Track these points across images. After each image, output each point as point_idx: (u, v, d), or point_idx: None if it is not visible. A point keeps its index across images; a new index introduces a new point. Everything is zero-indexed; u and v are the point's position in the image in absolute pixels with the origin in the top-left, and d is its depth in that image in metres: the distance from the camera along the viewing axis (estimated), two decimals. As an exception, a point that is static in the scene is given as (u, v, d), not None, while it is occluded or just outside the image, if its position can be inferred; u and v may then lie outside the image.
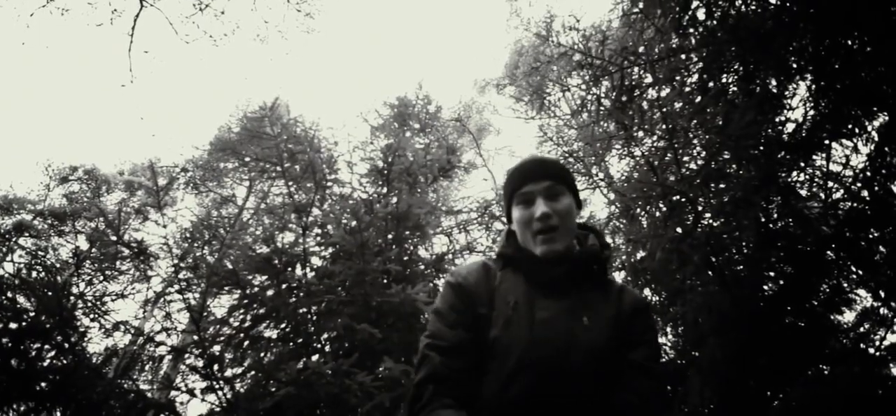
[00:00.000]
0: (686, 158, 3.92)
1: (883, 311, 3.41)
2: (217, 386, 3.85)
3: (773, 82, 3.82)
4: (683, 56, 4.11)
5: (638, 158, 4.54)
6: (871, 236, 3.39)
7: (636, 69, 4.32)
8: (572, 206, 1.41)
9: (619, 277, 4.70)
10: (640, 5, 4.31)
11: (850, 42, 3.42)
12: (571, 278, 1.35)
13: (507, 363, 1.25)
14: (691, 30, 4.07)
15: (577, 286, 1.35)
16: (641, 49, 4.25)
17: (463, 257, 6.20)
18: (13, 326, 3.28)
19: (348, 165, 5.93)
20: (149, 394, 3.92)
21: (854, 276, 3.50)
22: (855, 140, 3.57)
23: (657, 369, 1.34)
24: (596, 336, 1.27)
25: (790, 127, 3.83)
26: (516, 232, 1.44)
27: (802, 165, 3.73)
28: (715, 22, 3.88)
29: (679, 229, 3.74)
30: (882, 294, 3.39)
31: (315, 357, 4.33)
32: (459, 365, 1.29)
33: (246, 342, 4.47)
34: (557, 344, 1.25)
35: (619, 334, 1.31)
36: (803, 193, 3.77)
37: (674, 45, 4.14)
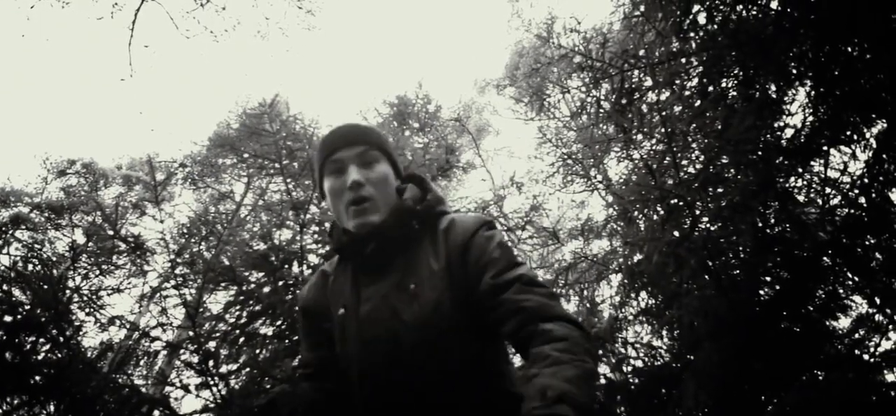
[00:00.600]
0: (685, 162, 3.92)
1: (878, 317, 3.41)
2: (212, 382, 3.84)
3: (773, 88, 3.82)
4: (683, 60, 4.11)
5: (636, 161, 4.55)
6: (867, 243, 3.40)
7: (636, 72, 4.32)
8: (389, 173, 1.28)
9: (615, 290, 4.70)
10: (642, 8, 4.31)
11: (849, 49, 3.42)
12: (390, 249, 1.21)
13: (352, 379, 1.16)
14: (692, 34, 4.07)
15: (403, 255, 1.21)
16: (642, 52, 4.25)
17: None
18: (8, 319, 3.27)
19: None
20: (143, 389, 3.92)
21: (850, 282, 3.51)
22: (853, 147, 3.58)
23: (509, 275, 1.09)
24: (425, 299, 1.11)
25: (789, 132, 3.84)
26: (331, 208, 1.29)
27: (801, 170, 3.74)
28: (715, 26, 3.89)
29: (676, 233, 3.74)
30: (877, 301, 3.40)
31: (311, 355, 4.32)
32: (324, 387, 1.26)
33: (241, 339, 4.46)
34: (385, 338, 1.11)
35: (460, 278, 1.14)
36: (801, 198, 3.78)
37: (674, 49, 4.14)
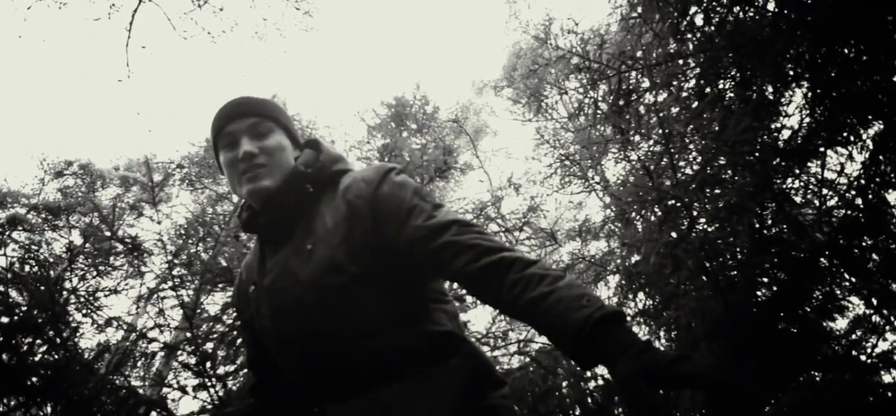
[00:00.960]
0: (682, 163, 3.93)
1: (875, 318, 3.42)
2: (209, 384, 3.83)
3: (770, 89, 3.83)
4: (681, 61, 4.12)
5: (634, 163, 4.55)
6: (864, 244, 3.41)
7: (634, 73, 4.32)
8: (283, 141, 1.23)
9: (613, 291, 4.70)
10: (639, 10, 4.32)
11: (846, 50, 3.43)
12: (289, 215, 1.18)
13: (274, 355, 1.17)
14: (689, 35, 4.08)
15: (302, 220, 1.17)
16: (639, 53, 4.26)
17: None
18: (5, 320, 3.27)
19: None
20: (141, 390, 3.91)
21: (847, 283, 3.52)
22: (850, 148, 3.59)
23: (446, 218, 1.04)
24: (320, 257, 1.07)
25: (786, 134, 3.85)
26: (228, 182, 1.23)
27: (798, 171, 3.75)
28: (712, 28, 3.90)
29: (674, 234, 3.75)
30: (874, 302, 3.41)
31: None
32: (261, 379, 1.29)
33: (239, 340, 4.46)
34: (289, 304, 1.08)
35: (363, 231, 1.08)
36: (798, 199, 3.79)
37: (671, 51, 4.15)
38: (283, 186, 1.17)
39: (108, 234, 4.34)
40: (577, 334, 0.79)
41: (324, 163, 1.23)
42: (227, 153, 1.20)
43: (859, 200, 3.47)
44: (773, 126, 3.83)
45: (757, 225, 3.65)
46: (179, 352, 4.23)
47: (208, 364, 3.87)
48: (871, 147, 3.49)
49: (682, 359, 0.68)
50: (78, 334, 3.69)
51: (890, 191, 3.37)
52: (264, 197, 1.17)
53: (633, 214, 4.41)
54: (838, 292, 3.54)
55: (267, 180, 1.16)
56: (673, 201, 3.71)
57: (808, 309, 3.57)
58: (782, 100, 3.84)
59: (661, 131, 3.73)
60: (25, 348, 3.34)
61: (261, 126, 1.21)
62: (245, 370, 4.16)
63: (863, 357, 3.39)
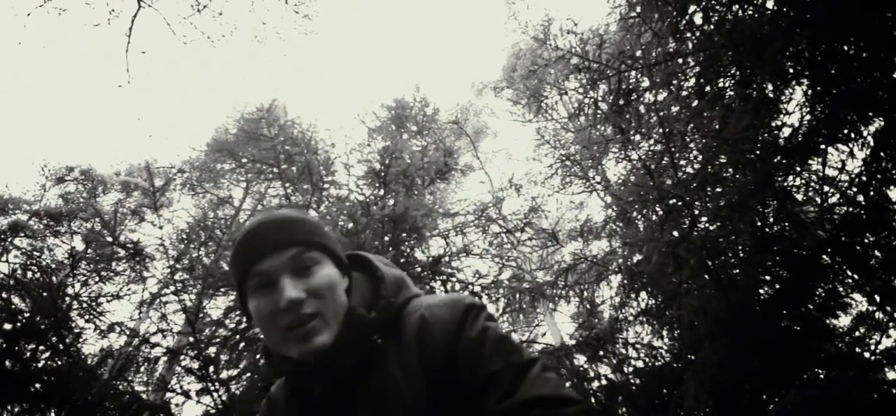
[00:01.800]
0: (683, 162, 3.93)
1: (878, 315, 3.42)
2: (212, 388, 3.84)
3: (770, 87, 3.83)
4: (680, 60, 4.12)
5: (635, 162, 4.55)
6: (866, 241, 3.41)
7: (633, 73, 4.33)
8: (333, 275, 0.97)
9: (615, 291, 4.70)
10: (638, 9, 4.32)
11: (845, 47, 3.43)
12: (349, 380, 0.94)
13: None
14: (688, 34, 4.08)
15: (363, 381, 0.94)
16: (639, 53, 4.26)
17: (459, 260, 6.19)
18: (8, 327, 3.27)
19: (345, 167, 5.93)
20: (144, 396, 3.91)
21: (849, 280, 3.51)
22: (851, 145, 3.59)
23: (520, 394, 0.83)
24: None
25: (786, 131, 3.85)
26: (263, 334, 0.97)
27: (798, 169, 3.75)
28: (712, 26, 3.90)
29: (675, 233, 3.75)
30: (877, 298, 3.41)
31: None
32: None
33: (242, 344, 4.46)
34: None
35: (441, 384, 0.89)
36: (799, 197, 3.79)
37: (671, 50, 4.16)
38: (342, 343, 0.93)
39: (109, 239, 4.35)
40: None
41: (387, 299, 1.00)
42: (262, 300, 0.92)
43: (861, 197, 3.47)
44: (773, 124, 3.83)
45: (758, 223, 3.65)
46: (182, 357, 4.23)
47: (211, 369, 3.87)
48: (871, 144, 3.49)
49: None
50: (81, 340, 3.69)
51: (891, 187, 3.37)
52: (320, 358, 0.91)
53: (635, 213, 4.41)
54: (841, 289, 3.53)
55: (324, 336, 0.91)
56: (674, 200, 3.71)
57: (811, 307, 3.56)
58: (782, 97, 3.84)
59: (661, 130, 3.73)
60: (29, 354, 3.35)
61: (302, 258, 0.94)
62: (248, 374, 4.17)
63: (866, 354, 3.39)
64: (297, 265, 0.93)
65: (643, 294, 4.45)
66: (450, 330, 0.92)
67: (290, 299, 0.88)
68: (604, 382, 4.21)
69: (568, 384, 4.22)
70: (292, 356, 0.92)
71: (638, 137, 4.34)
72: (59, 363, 3.43)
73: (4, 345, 3.17)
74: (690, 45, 4.10)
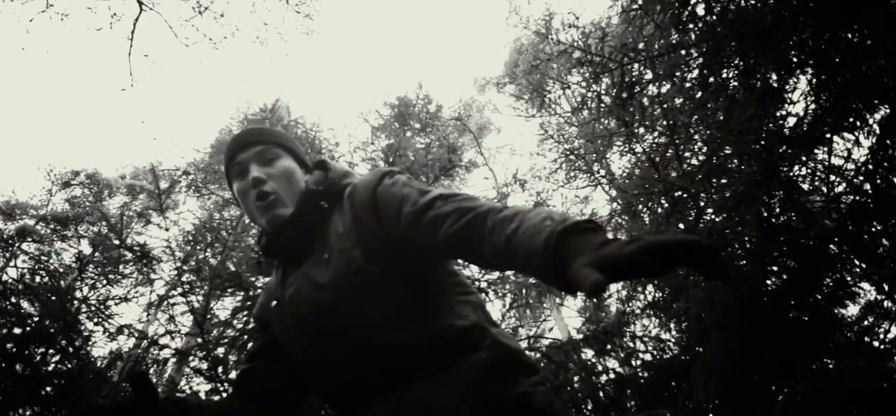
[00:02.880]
0: (687, 154, 3.92)
1: (887, 304, 3.40)
2: (221, 388, 3.85)
3: (774, 77, 3.81)
4: (683, 52, 4.11)
5: (639, 155, 4.54)
6: (873, 230, 3.39)
7: (636, 66, 4.31)
8: (291, 167, 1.28)
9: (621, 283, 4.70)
10: (640, 2, 4.30)
11: (850, 35, 3.41)
12: (306, 235, 1.21)
13: (299, 364, 1.19)
14: (691, 25, 4.06)
15: (318, 236, 1.20)
16: (641, 45, 4.24)
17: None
18: (18, 331, 3.29)
19: (349, 166, 5.94)
20: (153, 397, 3.93)
21: (857, 269, 3.50)
22: (856, 133, 3.57)
23: (429, 196, 1.04)
24: (336, 261, 1.10)
25: (791, 121, 3.83)
26: (244, 211, 1.31)
27: (804, 159, 3.73)
28: (714, 17, 3.88)
29: (681, 225, 3.74)
30: (886, 287, 3.39)
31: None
32: (253, 366, 1.30)
33: (250, 344, 4.48)
34: (310, 311, 1.11)
35: (372, 232, 1.10)
36: (805, 187, 3.77)
37: (674, 41, 4.14)
38: (298, 208, 1.22)
39: (116, 242, 4.37)
40: (544, 255, 0.73)
41: (332, 179, 1.27)
42: (239, 183, 1.26)
43: (867, 186, 3.45)
44: (778, 114, 3.82)
45: (765, 214, 3.63)
46: (191, 358, 4.25)
47: (220, 369, 3.88)
48: (877, 132, 3.47)
49: (637, 239, 0.61)
50: (90, 343, 3.72)
51: (898, 175, 3.35)
52: (281, 223, 1.21)
53: (640, 206, 4.40)
54: (849, 278, 3.52)
55: (281, 209, 1.21)
56: (679, 192, 3.71)
57: (819, 297, 3.55)
58: (787, 87, 3.83)
59: (665, 123, 3.72)
60: (39, 358, 3.37)
61: (267, 153, 1.26)
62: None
63: (875, 343, 3.38)
64: (262, 158, 1.26)
65: (650, 287, 4.44)
66: (371, 185, 1.16)
67: (255, 177, 1.21)
68: (612, 375, 4.21)
69: (576, 379, 4.22)
70: (263, 225, 1.24)
71: (642, 130, 4.33)
72: (69, 365, 3.45)
73: (15, 349, 3.20)
74: (693, 37, 4.08)
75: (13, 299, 3.51)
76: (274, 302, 1.25)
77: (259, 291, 4.60)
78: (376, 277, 1.06)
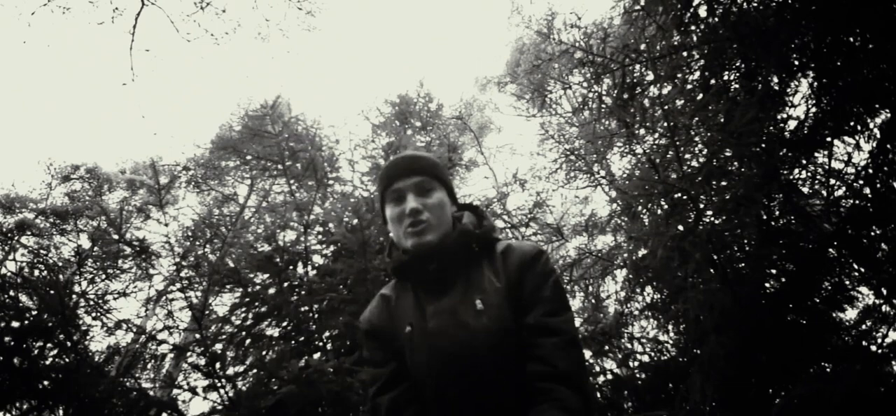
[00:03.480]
0: (688, 156, 3.92)
1: (885, 308, 3.40)
2: (219, 384, 3.85)
3: (775, 79, 3.81)
4: (685, 53, 4.10)
5: (639, 156, 4.54)
6: (873, 234, 3.39)
7: (638, 67, 4.31)
8: (444, 199, 1.38)
9: (621, 285, 4.69)
10: (642, 3, 4.30)
11: (852, 39, 3.41)
12: (452, 268, 1.32)
13: (425, 389, 1.26)
14: (693, 27, 4.06)
15: (463, 273, 1.32)
16: (643, 46, 4.24)
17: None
18: (16, 324, 3.29)
19: (350, 164, 5.93)
20: (151, 392, 3.93)
21: (856, 273, 3.50)
22: (857, 137, 3.57)
23: (556, 321, 1.23)
24: (492, 317, 1.22)
25: (792, 124, 3.83)
26: (392, 232, 1.41)
27: (804, 162, 3.73)
28: (716, 19, 3.88)
29: (681, 227, 3.74)
30: (884, 292, 3.39)
31: (317, 355, 4.33)
32: (401, 394, 1.31)
33: (248, 341, 4.47)
34: (454, 347, 1.22)
35: (515, 301, 1.26)
36: (805, 190, 3.77)
37: (675, 43, 4.14)
38: (451, 240, 1.33)
39: (115, 237, 4.36)
40: None
41: (487, 228, 1.40)
42: (394, 208, 1.37)
43: (867, 190, 3.45)
44: (779, 117, 3.81)
45: (764, 217, 3.63)
46: (189, 353, 4.25)
47: (218, 365, 3.88)
48: (878, 136, 3.47)
49: None
50: (88, 338, 3.71)
51: (898, 180, 3.35)
52: (427, 250, 1.31)
53: (640, 207, 4.40)
54: (847, 282, 3.52)
55: (430, 236, 1.31)
56: (679, 194, 3.70)
57: (817, 300, 3.55)
58: (788, 90, 3.82)
59: (666, 124, 3.72)
60: (36, 352, 3.37)
61: (425, 184, 1.36)
62: (254, 370, 4.18)
63: (873, 348, 3.37)
64: (420, 188, 1.36)
65: (649, 288, 4.44)
66: (527, 255, 1.31)
67: (413, 208, 1.31)
68: (610, 376, 4.21)
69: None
70: (408, 248, 1.33)
71: (642, 131, 4.32)
72: (67, 360, 3.45)
73: (12, 343, 3.19)
74: (695, 38, 4.08)
75: (11, 293, 3.50)
76: (408, 327, 1.31)
77: (258, 287, 4.60)
78: (510, 329, 1.22)
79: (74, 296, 3.93)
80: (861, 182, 3.50)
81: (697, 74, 4.15)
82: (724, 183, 3.70)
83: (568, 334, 1.22)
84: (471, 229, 1.37)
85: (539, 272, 1.30)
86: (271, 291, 4.60)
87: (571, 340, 1.22)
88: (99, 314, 4.02)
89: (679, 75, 4.12)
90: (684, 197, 3.71)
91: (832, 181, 3.65)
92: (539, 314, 1.22)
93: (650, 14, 4.26)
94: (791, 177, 3.74)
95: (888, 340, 3.34)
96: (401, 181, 1.36)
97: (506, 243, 1.39)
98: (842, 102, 3.49)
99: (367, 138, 6.91)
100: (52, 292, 3.49)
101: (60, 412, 3.37)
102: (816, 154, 3.70)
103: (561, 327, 1.22)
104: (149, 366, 4.29)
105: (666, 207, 3.95)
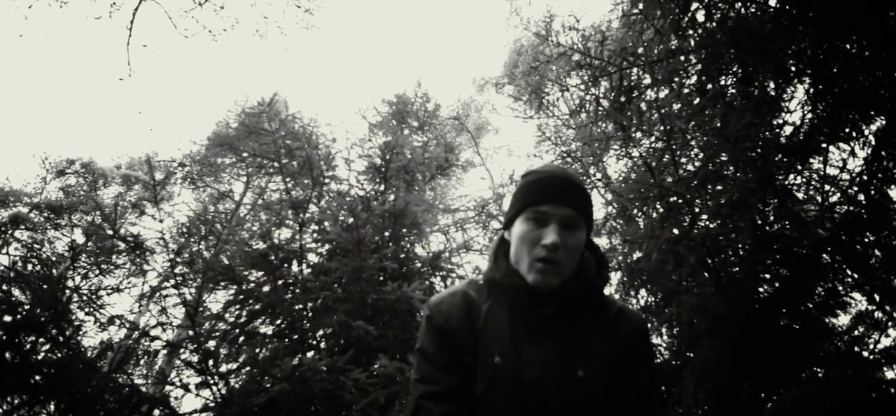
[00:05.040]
0: (684, 160, 3.93)
1: (877, 314, 3.42)
2: (212, 381, 3.85)
3: (772, 85, 3.82)
4: (682, 58, 4.11)
5: (636, 159, 4.55)
6: (866, 240, 3.41)
7: (635, 70, 4.32)
8: (582, 241, 1.23)
9: (615, 288, 4.70)
10: (640, 6, 4.31)
11: (848, 46, 3.42)
12: (564, 315, 1.22)
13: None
14: (690, 31, 4.07)
15: (571, 321, 1.22)
16: (640, 50, 4.25)
17: (459, 256, 6.19)
18: (8, 319, 3.28)
19: (346, 162, 5.93)
20: (143, 388, 3.92)
21: (849, 279, 3.51)
22: (852, 144, 3.58)
23: (650, 410, 1.22)
24: (591, 391, 1.16)
25: (788, 130, 3.85)
26: (511, 244, 1.27)
27: (800, 168, 3.74)
28: (714, 24, 3.89)
29: (676, 231, 3.75)
30: (877, 298, 3.41)
31: (310, 354, 4.33)
32: (458, 411, 1.18)
33: (241, 338, 4.47)
34: (546, 408, 1.14)
35: (615, 372, 1.20)
36: (800, 196, 3.78)
37: (673, 47, 4.15)
38: (570, 290, 1.22)
39: (110, 232, 4.34)
40: None
41: (605, 280, 1.32)
42: (531, 229, 1.21)
43: (862, 197, 3.46)
44: (774, 122, 3.83)
45: (759, 221, 3.64)
46: (182, 350, 4.24)
47: (210, 362, 3.88)
48: (873, 143, 3.49)
49: None
50: (80, 333, 3.70)
51: (892, 187, 3.36)
52: (548, 290, 1.20)
53: (635, 210, 4.41)
54: (840, 288, 3.54)
55: (556, 279, 1.19)
56: (675, 198, 3.71)
57: (810, 305, 3.57)
58: (784, 96, 3.84)
59: (662, 128, 3.73)
60: (29, 346, 3.35)
61: (573, 220, 1.20)
62: (247, 368, 4.18)
63: (865, 353, 3.39)
64: (567, 222, 1.19)
65: (643, 291, 4.45)
66: (638, 332, 1.27)
67: (553, 242, 1.16)
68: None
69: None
70: (526, 280, 1.20)
71: (639, 135, 4.33)
72: (59, 355, 3.44)
73: (5, 337, 3.18)
74: (692, 43, 4.09)
75: (4, 287, 3.49)
76: (498, 357, 1.20)
77: (252, 284, 4.59)
78: (604, 411, 1.17)
79: (68, 291, 3.91)
80: (855, 188, 3.52)
81: (694, 78, 4.16)
82: (719, 187, 3.71)
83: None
84: (593, 279, 1.28)
85: (644, 352, 1.26)
86: (265, 288, 4.59)
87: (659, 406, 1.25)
88: (92, 310, 4.01)
89: (676, 79, 4.13)
90: (680, 201, 3.71)
91: (827, 187, 3.67)
92: (635, 399, 1.20)
93: (648, 18, 4.27)
94: (786, 182, 3.75)
95: (880, 346, 3.36)
96: (550, 206, 1.20)
97: (618, 306, 1.30)
98: (837, 108, 3.50)
99: (363, 137, 6.90)
100: (45, 286, 3.47)
101: (52, 406, 3.36)
102: (812, 160, 3.72)
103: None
104: (142, 362, 4.27)
105: (661, 210, 3.96)
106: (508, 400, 1.15)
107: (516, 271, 1.24)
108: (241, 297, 4.45)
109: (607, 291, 1.37)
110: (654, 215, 4.13)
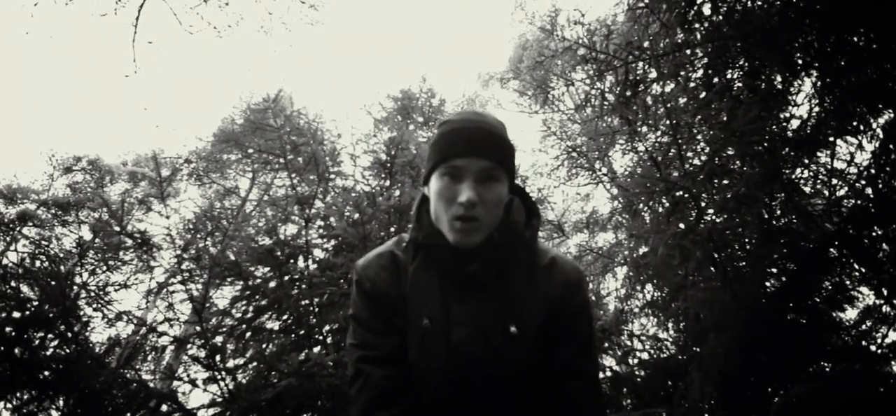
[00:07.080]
0: (690, 154, 3.91)
1: (885, 309, 3.40)
2: (219, 377, 3.86)
3: (779, 78, 3.80)
4: (688, 51, 4.09)
5: (641, 154, 4.54)
6: (874, 234, 3.38)
7: (641, 64, 4.30)
8: (503, 193, 1.16)
9: (621, 282, 4.69)
10: (646, 0, 4.29)
11: (856, 39, 3.40)
12: (491, 271, 1.17)
13: (426, 391, 1.14)
14: (696, 25, 4.05)
15: (501, 276, 1.17)
16: (646, 44, 4.23)
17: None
18: (17, 315, 3.30)
19: (351, 158, 5.93)
20: (151, 384, 3.94)
21: (857, 273, 3.49)
22: (860, 137, 3.56)
23: (587, 364, 1.19)
24: (524, 347, 1.13)
25: (795, 123, 3.82)
26: (430, 202, 1.20)
27: (807, 161, 3.72)
28: (720, 17, 3.87)
29: (682, 225, 3.74)
30: (885, 292, 3.39)
31: (317, 349, 4.34)
32: (398, 374, 1.16)
33: (248, 334, 4.48)
34: (475, 367, 1.12)
35: (550, 326, 1.17)
36: (807, 189, 3.77)
37: (679, 41, 4.12)
38: (497, 241, 1.17)
39: (117, 229, 4.37)
40: None
41: (535, 229, 1.27)
42: (446, 184, 1.13)
43: (869, 190, 3.44)
44: (781, 116, 3.81)
45: (766, 216, 3.63)
46: (189, 346, 4.26)
47: (218, 358, 3.89)
48: (881, 136, 3.46)
49: None
50: (89, 329, 3.72)
51: (900, 180, 3.34)
52: (471, 249, 1.14)
53: (641, 205, 4.39)
54: (848, 282, 3.52)
55: (477, 236, 1.13)
56: (681, 192, 3.70)
57: (818, 300, 3.55)
58: (791, 89, 3.81)
59: (668, 122, 3.71)
60: (37, 342, 3.38)
61: (489, 172, 1.13)
62: (254, 363, 4.19)
63: (873, 348, 3.37)
64: (484, 175, 1.12)
65: (649, 286, 4.44)
66: (572, 283, 1.22)
67: (469, 198, 1.09)
68: (609, 373, 4.22)
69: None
70: (451, 240, 1.14)
71: (645, 129, 4.32)
72: (67, 351, 3.46)
73: (13, 333, 3.20)
74: (699, 36, 4.07)
75: (13, 284, 3.51)
76: (426, 320, 1.15)
77: (258, 280, 4.61)
78: (539, 366, 1.16)
79: (75, 287, 3.94)
80: (863, 182, 3.49)
81: (701, 72, 4.14)
82: (725, 182, 3.70)
83: (595, 378, 1.20)
84: (520, 228, 1.22)
85: (578, 302, 1.21)
86: (272, 284, 4.61)
87: (598, 385, 1.21)
88: (100, 306, 4.03)
89: (682, 73, 4.11)
90: (686, 195, 3.70)
91: (834, 181, 3.65)
92: (571, 353, 1.17)
93: (654, 11, 4.24)
94: (793, 176, 3.73)
95: (888, 340, 3.34)
96: (464, 160, 1.12)
97: (550, 255, 1.24)
98: (845, 101, 3.48)
99: (369, 133, 6.91)
100: (53, 283, 3.50)
101: (61, 402, 3.39)
102: (819, 154, 3.70)
103: (590, 371, 1.19)
104: (149, 358, 4.30)
105: (667, 204, 3.95)
106: (439, 362, 1.13)
107: (438, 230, 1.18)
108: (248, 293, 4.46)
109: (542, 239, 1.32)
110: (660, 209, 4.12)
